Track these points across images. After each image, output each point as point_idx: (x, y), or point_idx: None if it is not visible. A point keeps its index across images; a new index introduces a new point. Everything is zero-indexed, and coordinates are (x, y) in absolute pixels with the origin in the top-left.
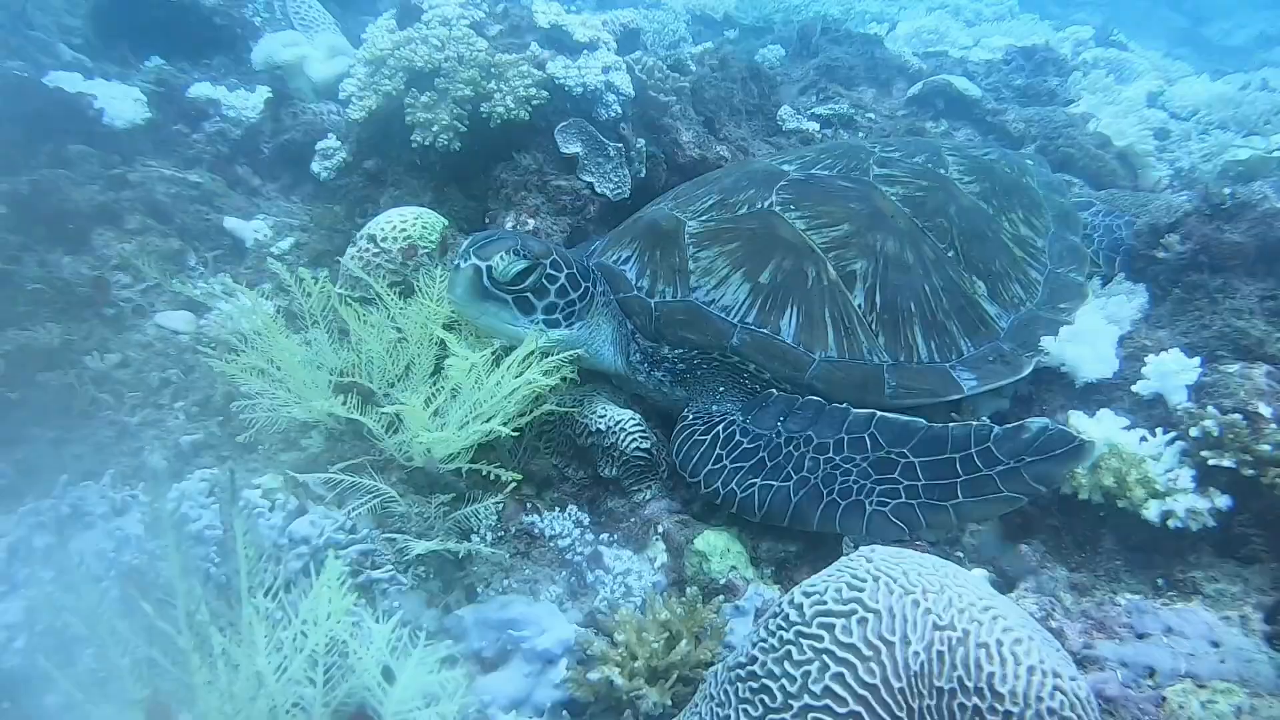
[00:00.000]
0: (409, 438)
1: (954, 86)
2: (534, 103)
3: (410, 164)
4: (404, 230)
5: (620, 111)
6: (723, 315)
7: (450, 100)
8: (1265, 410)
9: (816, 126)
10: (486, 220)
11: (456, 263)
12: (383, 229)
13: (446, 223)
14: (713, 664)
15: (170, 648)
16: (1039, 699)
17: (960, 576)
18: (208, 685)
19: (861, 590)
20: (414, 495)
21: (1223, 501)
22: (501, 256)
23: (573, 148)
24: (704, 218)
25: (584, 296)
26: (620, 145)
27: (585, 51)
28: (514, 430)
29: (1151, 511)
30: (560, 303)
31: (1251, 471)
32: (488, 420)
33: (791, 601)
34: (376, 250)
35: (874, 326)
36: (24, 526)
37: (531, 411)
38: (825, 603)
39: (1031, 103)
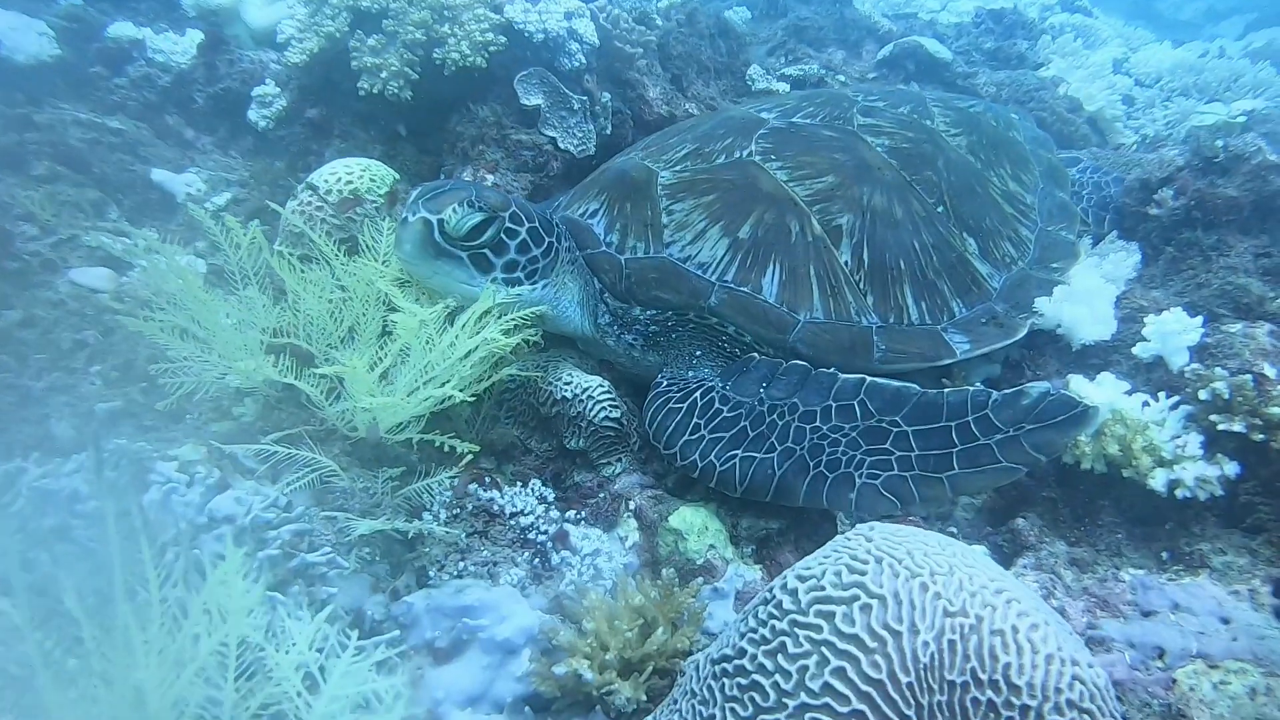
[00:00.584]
0: (352, 405)
1: (925, 49)
2: (491, 49)
3: (358, 114)
4: (349, 182)
5: (584, 62)
6: (699, 273)
7: (400, 44)
8: (1270, 371)
9: (787, 87)
10: (442, 176)
11: (404, 215)
12: (326, 180)
13: (397, 176)
14: (691, 653)
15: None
16: (1058, 690)
17: (968, 555)
18: (74, 702)
19: (864, 574)
20: (359, 469)
21: (1231, 468)
22: (455, 209)
23: (534, 99)
24: (678, 168)
25: (548, 252)
26: (585, 98)
27: None
28: (471, 396)
29: (1158, 481)
30: (522, 260)
31: (1261, 436)
32: (441, 385)
33: (784, 587)
34: (319, 203)
35: (862, 286)
36: None
37: (490, 376)
38: (823, 588)
39: (1002, 66)
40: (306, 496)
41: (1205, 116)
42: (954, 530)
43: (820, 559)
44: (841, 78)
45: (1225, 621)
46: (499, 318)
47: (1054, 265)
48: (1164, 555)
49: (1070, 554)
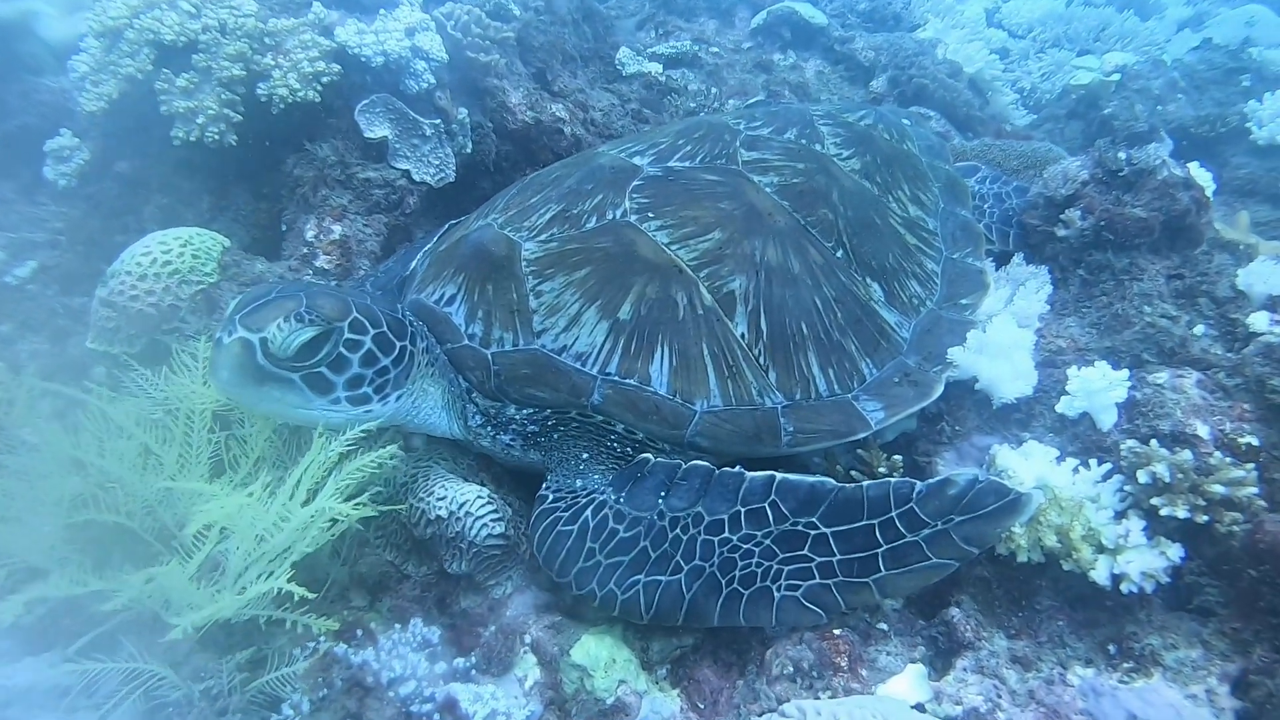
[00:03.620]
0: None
1: (799, 14)
2: (324, 80)
3: (178, 162)
4: (167, 263)
5: (434, 81)
6: (578, 365)
7: (216, 83)
8: (1203, 431)
9: (659, 68)
10: (283, 227)
11: (219, 335)
12: (139, 263)
13: (227, 243)
14: None
15: None
16: None
17: None
18: None
19: None
20: (199, 655)
21: (1175, 553)
22: (280, 325)
23: (380, 130)
24: (543, 237)
25: (399, 360)
26: (438, 121)
27: (382, 11)
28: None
29: (1101, 573)
30: (368, 374)
31: (1205, 518)
32: (272, 575)
33: None
34: (133, 293)
35: (762, 360)
36: None
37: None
38: None
39: (879, 28)
40: (133, 716)
41: (1080, 74)
42: (884, 626)
43: None
44: (716, 49)
45: None
46: (338, 469)
47: (963, 302)
48: (1111, 649)
49: (1011, 649)
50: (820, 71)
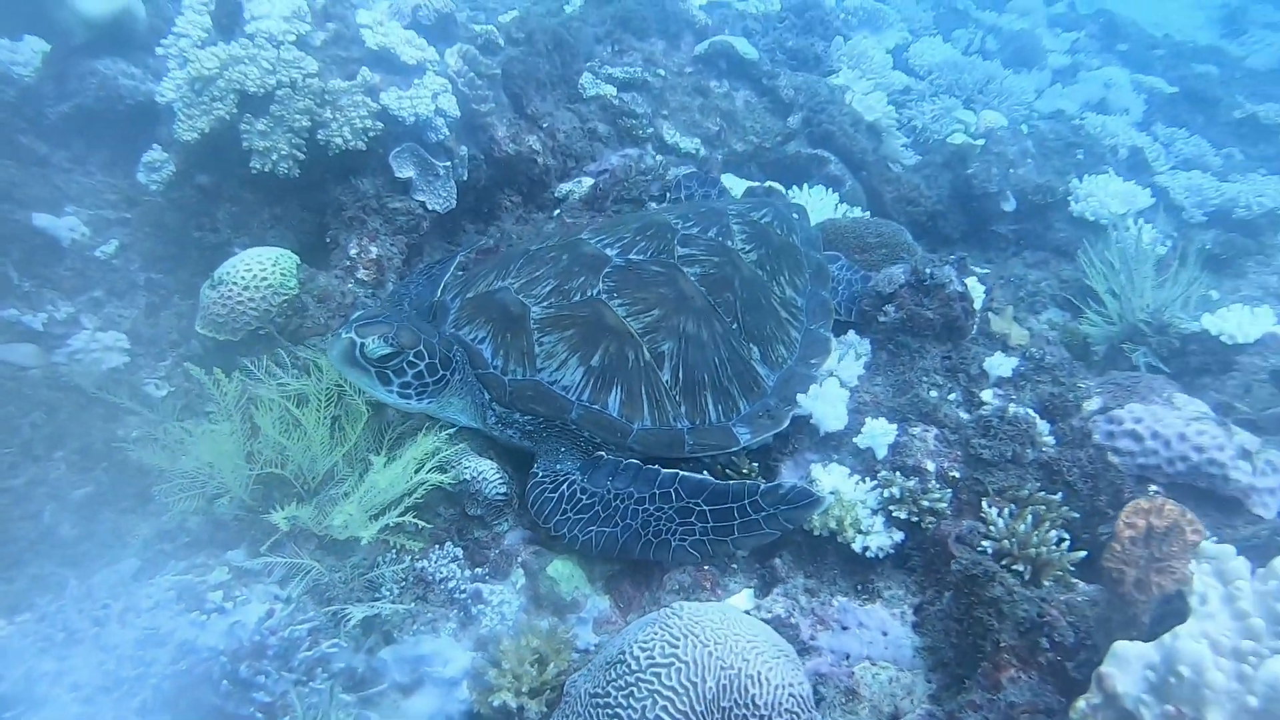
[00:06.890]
0: (335, 524)
1: (736, 49)
2: (370, 134)
3: (245, 179)
4: (264, 279)
5: (449, 133)
6: (564, 394)
7: (287, 129)
8: (930, 466)
9: (614, 90)
10: (328, 240)
11: (340, 331)
12: (243, 276)
13: (298, 260)
14: (566, 671)
15: None
16: (780, 704)
17: (739, 624)
18: None
19: (677, 647)
20: (330, 559)
21: (899, 536)
22: (374, 341)
23: (407, 172)
24: (545, 304)
25: (439, 382)
26: (448, 163)
27: (415, 80)
28: (415, 518)
29: (857, 545)
30: (415, 384)
31: (916, 518)
32: (398, 507)
33: (632, 654)
34: (239, 299)
35: (678, 398)
36: (27, 651)
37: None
38: (654, 657)
39: (801, 67)
40: (300, 588)
41: (956, 134)
42: (735, 566)
43: (652, 634)
44: (662, 72)
45: (885, 634)
46: (435, 458)
47: (813, 361)
48: (858, 587)
49: (806, 584)
50: (748, 102)
